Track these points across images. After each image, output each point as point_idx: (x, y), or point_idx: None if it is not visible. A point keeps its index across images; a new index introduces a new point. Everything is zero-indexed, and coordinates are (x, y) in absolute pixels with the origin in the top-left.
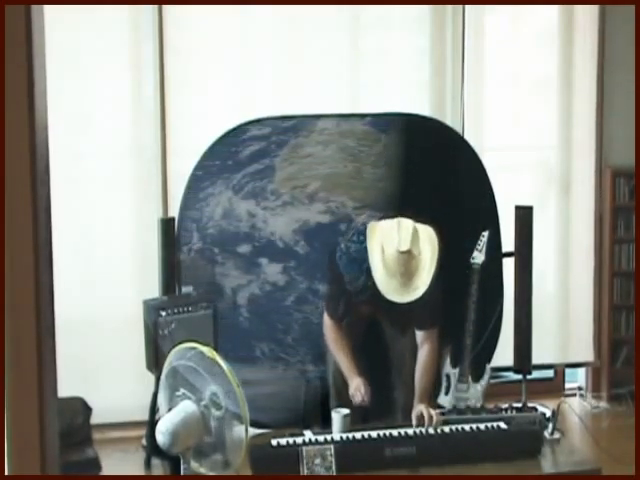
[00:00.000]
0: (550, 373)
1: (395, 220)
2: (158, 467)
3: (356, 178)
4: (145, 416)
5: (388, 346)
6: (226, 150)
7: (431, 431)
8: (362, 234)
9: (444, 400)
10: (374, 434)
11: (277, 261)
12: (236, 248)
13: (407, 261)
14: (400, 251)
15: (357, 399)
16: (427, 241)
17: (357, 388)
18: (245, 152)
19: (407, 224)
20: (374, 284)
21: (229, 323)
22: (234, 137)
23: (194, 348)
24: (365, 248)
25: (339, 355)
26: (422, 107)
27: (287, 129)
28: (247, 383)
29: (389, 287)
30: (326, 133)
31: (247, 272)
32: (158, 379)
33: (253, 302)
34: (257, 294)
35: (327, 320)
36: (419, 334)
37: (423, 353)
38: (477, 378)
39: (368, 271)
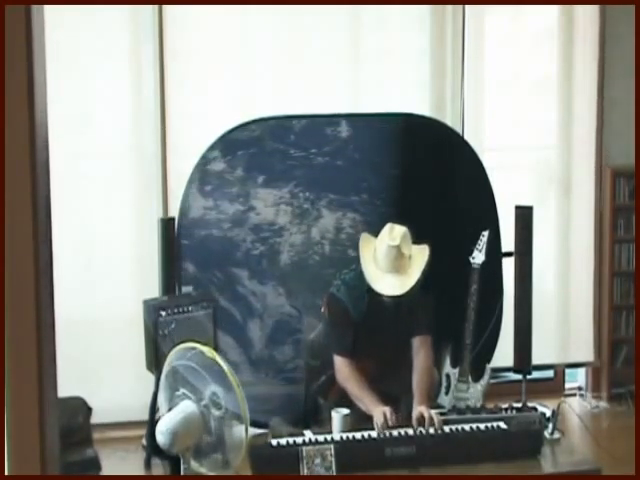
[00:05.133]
0: (550, 373)
1: (388, 225)
2: (158, 467)
3: None
4: (145, 416)
5: (391, 356)
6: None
7: (431, 431)
8: (353, 264)
9: (444, 400)
10: (374, 434)
11: None
12: None
13: (397, 258)
14: (390, 245)
15: (382, 425)
16: (419, 253)
17: (382, 416)
18: None
19: (400, 228)
20: (374, 302)
21: None
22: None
23: (194, 348)
24: (360, 272)
25: (357, 391)
26: (422, 107)
27: None
28: None
29: (378, 279)
30: None
31: None
32: (158, 379)
33: None
34: None
35: (338, 360)
36: (415, 341)
37: (420, 358)
38: (477, 378)
39: (368, 290)
